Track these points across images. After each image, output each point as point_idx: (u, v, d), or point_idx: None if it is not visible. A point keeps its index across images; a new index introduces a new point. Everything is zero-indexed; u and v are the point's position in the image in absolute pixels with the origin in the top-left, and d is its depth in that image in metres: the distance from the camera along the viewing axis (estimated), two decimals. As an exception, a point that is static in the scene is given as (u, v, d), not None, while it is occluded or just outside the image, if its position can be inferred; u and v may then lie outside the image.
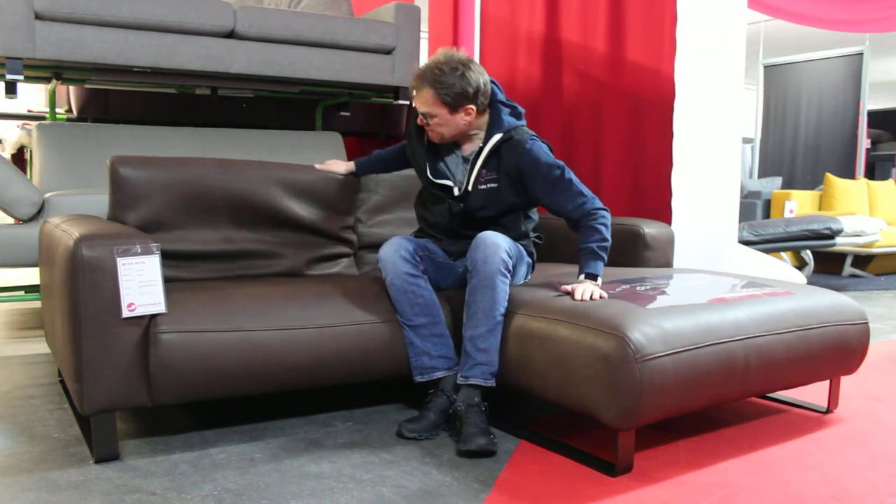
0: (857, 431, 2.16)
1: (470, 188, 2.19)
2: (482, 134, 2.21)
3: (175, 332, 1.83)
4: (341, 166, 2.61)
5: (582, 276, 2.06)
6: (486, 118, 2.21)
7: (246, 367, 1.91)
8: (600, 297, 1.97)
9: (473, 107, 2.14)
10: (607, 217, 2.13)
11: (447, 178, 2.24)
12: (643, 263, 2.65)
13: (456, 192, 2.23)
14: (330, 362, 2.03)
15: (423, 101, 2.14)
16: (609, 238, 2.10)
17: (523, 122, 2.25)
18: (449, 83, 2.09)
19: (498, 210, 2.21)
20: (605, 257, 2.08)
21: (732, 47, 2.88)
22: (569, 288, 2.03)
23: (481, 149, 2.18)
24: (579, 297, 1.96)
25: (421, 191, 2.39)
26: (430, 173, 2.24)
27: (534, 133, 2.22)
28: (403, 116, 4.53)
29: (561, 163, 2.16)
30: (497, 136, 2.17)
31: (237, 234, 2.43)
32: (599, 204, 2.13)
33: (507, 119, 2.20)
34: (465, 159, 2.25)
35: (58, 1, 2.89)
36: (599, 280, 2.06)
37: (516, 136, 2.18)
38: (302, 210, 2.52)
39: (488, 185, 2.18)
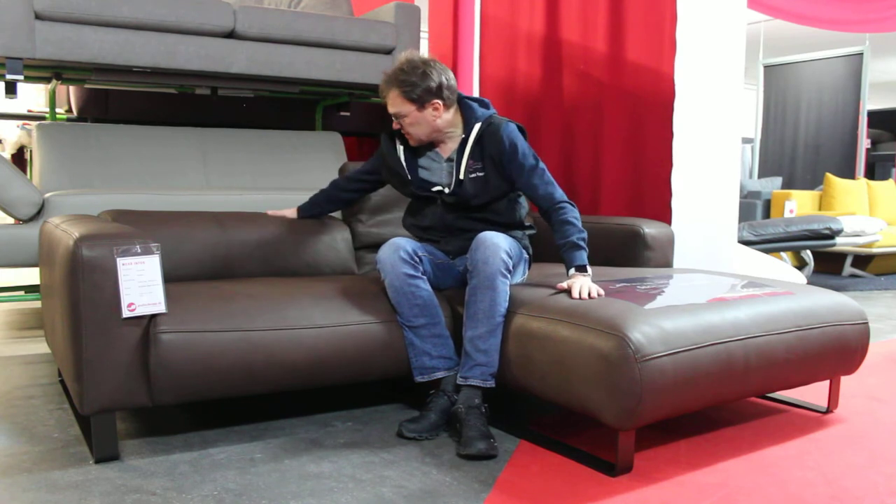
0: (857, 431, 2.16)
1: (462, 177, 2.23)
2: (458, 131, 2.28)
3: (175, 332, 1.83)
4: (287, 212, 2.68)
5: (572, 271, 2.09)
6: (457, 116, 2.28)
7: (246, 367, 1.91)
8: (597, 293, 1.99)
9: (440, 101, 2.20)
10: (575, 210, 2.21)
11: (434, 184, 2.28)
12: (643, 263, 2.65)
13: (446, 190, 2.26)
14: (330, 362, 2.02)
15: (391, 102, 2.23)
16: (584, 230, 2.18)
17: (493, 110, 2.33)
18: (412, 81, 2.18)
19: (489, 196, 2.25)
20: (587, 248, 2.15)
21: (732, 47, 2.88)
22: (564, 285, 2.05)
23: (465, 139, 2.25)
24: (576, 295, 1.98)
25: (408, 206, 2.43)
26: (415, 183, 2.29)
27: (507, 118, 2.29)
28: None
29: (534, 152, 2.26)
30: (478, 125, 2.24)
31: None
32: (566, 198, 2.22)
33: (480, 110, 2.28)
34: (450, 159, 2.30)
35: (58, 1, 2.89)
36: (589, 270, 2.09)
37: (494, 121, 2.26)
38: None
39: (476, 174, 2.24)
